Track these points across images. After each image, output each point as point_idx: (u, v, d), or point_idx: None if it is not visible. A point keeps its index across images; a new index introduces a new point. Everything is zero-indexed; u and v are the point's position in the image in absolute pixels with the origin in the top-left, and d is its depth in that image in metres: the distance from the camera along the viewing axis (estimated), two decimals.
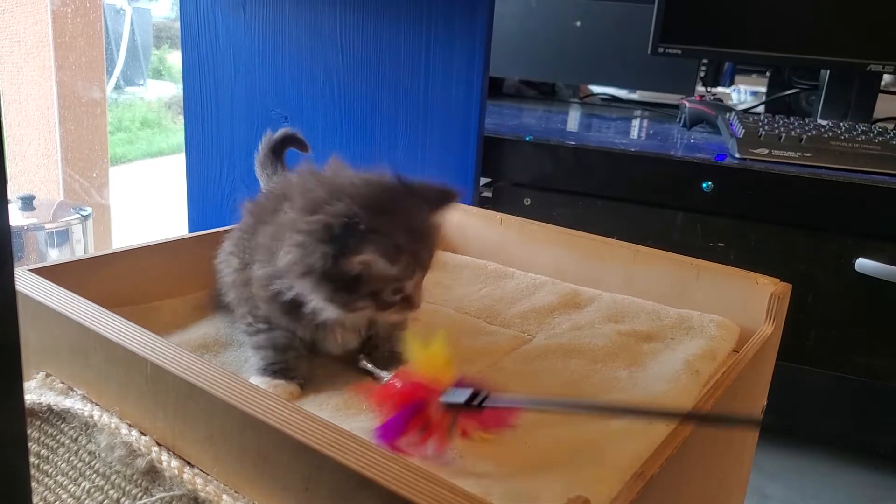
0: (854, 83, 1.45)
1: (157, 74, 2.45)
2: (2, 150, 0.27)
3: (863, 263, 1.05)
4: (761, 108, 1.79)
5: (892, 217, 1.03)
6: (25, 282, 0.57)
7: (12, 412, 0.30)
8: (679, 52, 1.42)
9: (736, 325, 0.72)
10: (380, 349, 0.62)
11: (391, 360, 0.61)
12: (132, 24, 2.22)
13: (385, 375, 0.59)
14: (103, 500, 0.50)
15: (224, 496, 0.44)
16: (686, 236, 1.13)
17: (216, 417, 0.44)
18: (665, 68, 1.66)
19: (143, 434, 0.49)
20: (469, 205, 0.98)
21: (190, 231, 1.26)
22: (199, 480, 0.45)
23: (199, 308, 0.71)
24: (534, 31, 1.71)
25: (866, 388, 1.61)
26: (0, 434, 0.30)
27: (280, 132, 0.83)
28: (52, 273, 0.60)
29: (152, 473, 0.48)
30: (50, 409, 0.53)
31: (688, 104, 1.48)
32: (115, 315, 0.52)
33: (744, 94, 2.32)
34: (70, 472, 0.52)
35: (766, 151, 1.14)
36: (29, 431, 0.54)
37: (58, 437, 0.53)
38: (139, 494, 0.48)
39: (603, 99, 1.98)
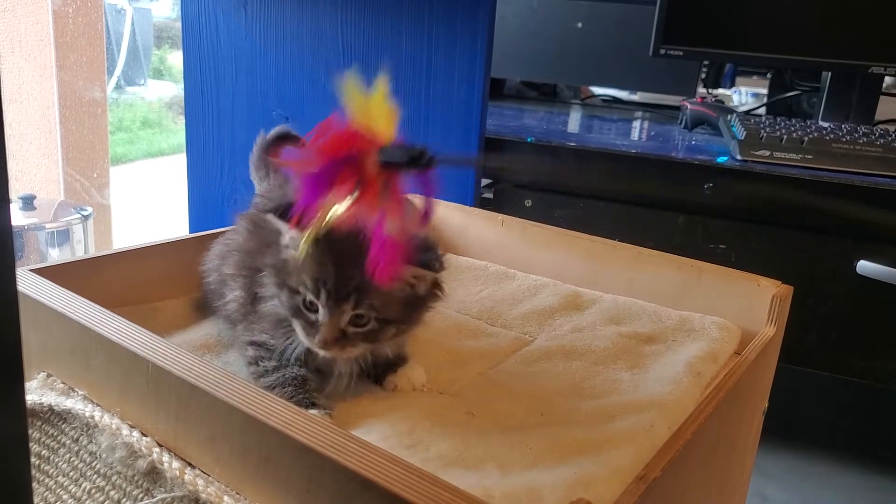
0: (855, 85, 1.45)
1: (158, 74, 2.45)
2: (3, 149, 0.26)
3: (864, 266, 1.05)
4: (763, 110, 1.79)
5: (893, 219, 1.03)
6: (27, 282, 0.56)
7: (13, 412, 0.30)
8: (680, 53, 1.42)
9: (737, 327, 0.72)
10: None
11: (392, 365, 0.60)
12: (133, 23, 2.22)
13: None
14: (104, 501, 0.50)
15: (225, 497, 0.44)
16: (687, 238, 1.13)
17: (218, 418, 0.44)
18: (666, 70, 1.66)
19: (144, 435, 0.49)
20: (470, 206, 0.98)
21: (191, 231, 1.26)
22: (200, 482, 0.45)
23: (200, 308, 0.71)
24: (535, 32, 1.71)
25: (867, 391, 1.61)
26: (1, 434, 0.30)
27: (274, 131, 0.82)
28: (54, 273, 0.60)
29: (153, 474, 0.48)
30: (51, 409, 0.53)
31: (689, 106, 1.48)
32: (116, 315, 0.52)
33: (745, 95, 2.32)
34: (71, 473, 0.52)
35: (768, 153, 1.14)
36: (30, 432, 0.54)
37: (59, 438, 0.53)
38: (140, 495, 0.48)
39: (604, 100, 1.98)
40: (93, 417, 0.51)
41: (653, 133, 1.46)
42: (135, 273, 0.69)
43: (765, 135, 1.18)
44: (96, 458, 0.51)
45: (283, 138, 0.82)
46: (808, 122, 1.34)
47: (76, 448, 0.52)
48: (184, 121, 1.26)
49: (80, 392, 0.53)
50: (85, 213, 1.46)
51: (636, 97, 2.03)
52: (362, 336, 0.54)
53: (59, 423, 0.53)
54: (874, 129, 1.28)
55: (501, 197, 1.22)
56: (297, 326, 0.54)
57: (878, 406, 1.66)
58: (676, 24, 1.40)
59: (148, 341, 0.49)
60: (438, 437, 0.52)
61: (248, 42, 1.19)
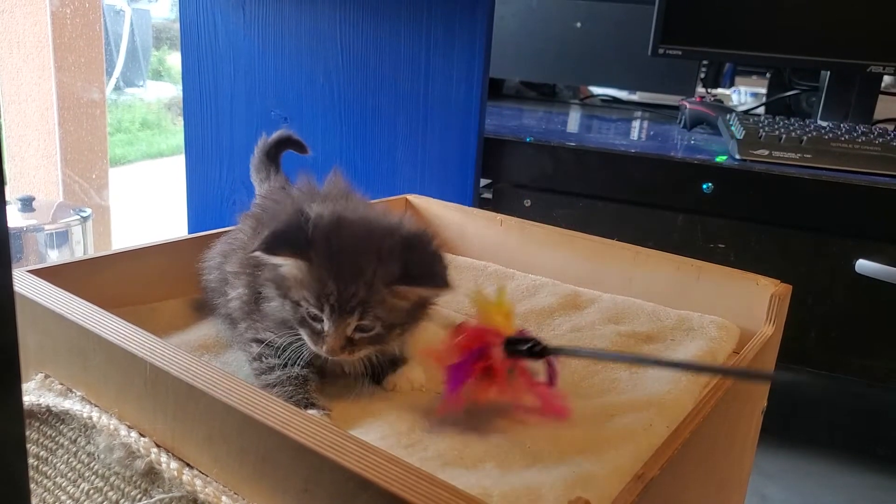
0: (854, 84, 1.45)
1: (157, 75, 2.45)
2: (1, 151, 0.26)
3: (863, 265, 1.05)
4: (761, 110, 1.79)
5: (892, 218, 1.03)
6: (24, 283, 0.56)
7: (11, 413, 0.30)
8: (679, 53, 1.42)
9: (736, 326, 0.72)
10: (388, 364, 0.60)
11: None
12: (132, 25, 2.22)
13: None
14: (102, 502, 0.50)
15: (223, 497, 0.44)
16: (686, 237, 1.13)
17: (215, 419, 0.44)
18: (665, 69, 1.66)
19: (142, 435, 0.49)
20: (469, 205, 0.98)
21: (189, 232, 1.26)
22: (198, 482, 0.45)
23: (199, 309, 0.71)
24: (534, 32, 1.71)
25: (867, 390, 1.61)
26: None
27: (276, 134, 0.82)
28: (51, 274, 0.60)
29: (151, 475, 0.48)
30: (49, 410, 0.53)
31: (688, 105, 1.48)
32: (114, 316, 0.52)
33: (744, 95, 2.33)
34: (69, 474, 0.52)
35: (767, 153, 1.14)
36: (28, 433, 0.54)
37: (57, 439, 0.53)
38: (138, 496, 0.48)
39: (603, 100, 1.98)
40: (91, 418, 0.51)
41: (652, 133, 1.46)
42: (133, 274, 0.69)
43: (764, 134, 1.18)
44: (94, 458, 0.51)
45: (284, 142, 0.82)
46: (807, 122, 1.34)
47: (74, 449, 0.52)
48: (182, 122, 1.26)
49: (78, 393, 0.53)
50: (84, 215, 1.46)
51: (635, 97, 2.03)
52: (369, 340, 0.54)
53: (57, 424, 0.53)
54: (873, 128, 1.28)
55: (500, 197, 1.22)
56: (304, 334, 0.55)
57: (878, 405, 1.66)
58: (675, 23, 1.41)
59: (146, 342, 0.49)
60: (437, 437, 0.52)
61: (246, 43, 1.19)
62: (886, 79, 1.57)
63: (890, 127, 1.31)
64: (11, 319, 0.29)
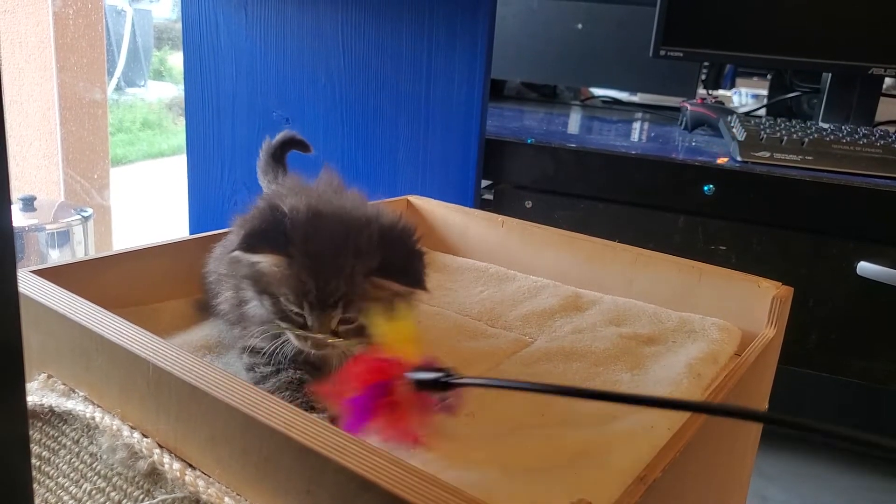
0: (856, 86, 1.45)
1: (158, 75, 2.45)
2: (4, 151, 0.27)
3: (864, 267, 1.05)
4: (763, 111, 1.79)
5: (893, 221, 1.03)
6: (27, 283, 0.57)
7: (14, 413, 0.30)
8: (680, 54, 1.42)
9: (738, 328, 0.72)
10: None
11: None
12: (133, 25, 2.22)
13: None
14: (105, 502, 0.50)
15: (226, 498, 0.44)
16: (687, 239, 1.13)
17: (218, 419, 0.44)
18: (666, 71, 1.66)
19: (144, 436, 0.49)
20: (471, 207, 0.98)
21: (191, 233, 1.26)
22: (200, 483, 0.45)
23: (201, 310, 0.71)
24: (535, 33, 1.71)
25: (867, 392, 1.61)
26: (2, 435, 0.30)
27: (279, 136, 0.82)
28: (54, 274, 0.60)
29: (154, 475, 0.48)
30: (51, 410, 0.53)
31: (689, 107, 1.48)
32: (116, 317, 0.52)
33: (745, 96, 2.32)
34: (71, 474, 0.52)
35: (768, 154, 1.14)
36: (30, 433, 0.54)
37: (59, 439, 0.53)
38: (141, 496, 0.48)
39: (604, 101, 1.98)
40: (93, 418, 0.51)
41: (653, 134, 1.46)
42: (135, 274, 0.69)
43: (765, 136, 1.18)
44: (97, 459, 0.51)
45: (288, 143, 0.82)
46: (809, 124, 1.34)
47: (77, 449, 0.52)
48: (184, 122, 1.26)
49: (81, 393, 0.53)
50: (85, 215, 1.46)
51: (636, 98, 2.03)
52: (353, 331, 0.55)
53: (60, 425, 0.53)
54: (874, 130, 1.28)
55: (502, 198, 1.22)
56: (287, 330, 0.55)
57: (878, 407, 1.66)
58: (676, 25, 1.41)
59: (149, 342, 0.49)
60: (439, 439, 0.52)
61: (248, 43, 1.19)
62: (888, 81, 1.57)
63: (891, 129, 1.31)
64: (15, 319, 0.29)
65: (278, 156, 0.81)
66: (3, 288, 0.28)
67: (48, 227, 1.39)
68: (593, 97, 2.01)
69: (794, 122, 1.34)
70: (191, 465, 0.47)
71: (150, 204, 2.21)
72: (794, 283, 0.73)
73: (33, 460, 0.54)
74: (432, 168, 1.16)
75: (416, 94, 1.14)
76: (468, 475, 0.47)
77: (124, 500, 0.49)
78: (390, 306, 0.54)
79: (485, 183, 1.22)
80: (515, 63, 1.74)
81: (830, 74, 1.47)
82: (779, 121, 1.33)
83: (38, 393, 0.54)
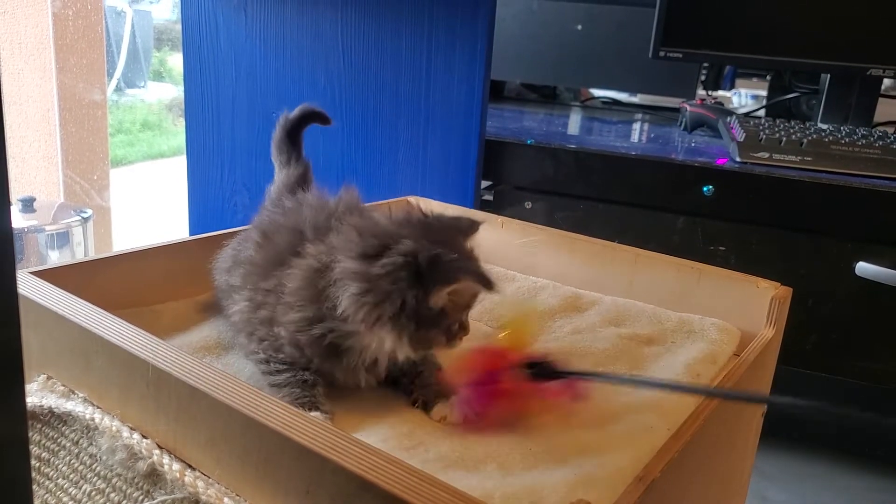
0: (854, 87, 1.46)
1: (158, 76, 2.45)
2: (4, 152, 0.27)
3: (863, 267, 1.05)
4: (762, 112, 1.79)
5: (892, 221, 1.03)
6: (27, 284, 0.57)
7: (13, 415, 0.30)
8: (680, 55, 1.42)
9: (737, 328, 0.72)
10: (419, 378, 0.59)
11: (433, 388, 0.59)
12: (133, 26, 2.22)
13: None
14: (104, 503, 0.50)
15: (226, 499, 0.44)
16: (687, 240, 1.13)
17: (218, 420, 0.44)
18: (666, 72, 1.67)
19: (144, 437, 0.49)
20: (470, 207, 0.98)
21: (191, 234, 1.26)
22: (200, 483, 0.45)
23: (201, 311, 0.71)
24: (535, 34, 1.71)
25: (867, 392, 1.61)
26: (1, 437, 0.30)
27: (297, 110, 0.78)
28: (54, 275, 0.60)
29: (154, 476, 0.48)
30: (51, 411, 0.53)
31: (689, 108, 1.48)
32: (116, 318, 0.52)
33: (744, 97, 2.32)
34: (71, 475, 0.52)
35: (767, 155, 1.14)
36: (30, 434, 0.54)
37: (59, 440, 0.53)
38: (140, 497, 0.48)
39: (604, 102, 1.98)
40: (93, 420, 0.51)
41: (652, 135, 1.46)
42: (135, 275, 0.69)
43: (764, 137, 1.18)
44: (96, 460, 0.51)
45: (307, 117, 0.78)
46: (808, 124, 1.34)
47: (76, 450, 0.52)
48: (184, 123, 1.26)
49: (81, 394, 0.53)
50: (85, 216, 1.46)
51: (636, 99, 2.04)
52: None
53: (60, 426, 0.53)
54: (873, 130, 1.28)
55: (502, 199, 1.23)
56: (448, 345, 0.56)
57: (878, 407, 1.66)
58: (676, 26, 1.41)
59: (148, 343, 0.49)
60: (438, 439, 0.52)
61: (248, 44, 1.19)
62: (886, 82, 1.57)
63: (890, 130, 1.31)
64: (15, 320, 0.29)
65: (294, 134, 0.77)
66: (2, 289, 0.28)
67: (48, 228, 1.39)
68: (593, 98, 2.01)
69: (793, 122, 1.34)
70: (190, 466, 0.47)
71: (150, 205, 2.21)
72: (794, 284, 0.73)
73: (33, 461, 0.54)
74: (432, 169, 1.16)
75: (415, 95, 1.14)
76: (467, 476, 0.47)
77: (124, 501, 0.49)
78: None
79: (485, 184, 1.23)
80: (515, 64, 1.74)
81: (829, 75, 1.47)
82: (778, 121, 1.33)
83: (38, 394, 0.54)
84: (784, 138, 1.17)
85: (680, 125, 1.53)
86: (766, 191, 1.08)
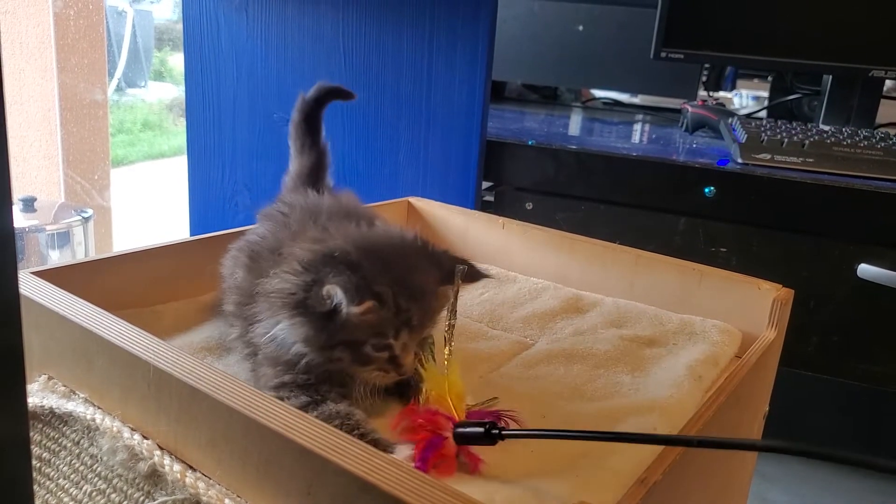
0: (856, 88, 1.45)
1: (159, 76, 2.45)
2: (5, 152, 0.26)
3: (865, 269, 1.05)
4: (763, 113, 1.79)
5: (894, 223, 1.03)
6: (28, 284, 0.57)
7: (15, 415, 0.30)
8: (681, 56, 1.42)
9: (738, 330, 0.72)
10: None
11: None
12: (134, 26, 2.22)
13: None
14: None
15: (226, 500, 0.44)
16: (688, 241, 1.13)
17: (219, 421, 0.44)
18: (667, 72, 1.66)
19: (145, 438, 0.49)
20: (471, 208, 0.98)
21: (192, 234, 1.26)
22: (201, 484, 0.45)
23: (202, 311, 0.71)
24: (536, 34, 1.71)
25: (868, 394, 1.61)
26: (2, 437, 0.30)
27: (315, 87, 0.72)
28: (55, 276, 0.60)
29: (154, 477, 0.48)
30: (52, 412, 0.53)
31: (690, 109, 1.48)
32: (117, 318, 0.52)
33: (746, 98, 2.32)
34: (72, 476, 0.52)
35: (769, 157, 1.14)
36: (31, 434, 0.54)
37: (60, 441, 0.53)
38: (141, 498, 0.48)
39: (605, 103, 1.98)
40: (94, 420, 0.51)
41: (654, 136, 1.46)
42: (136, 276, 0.69)
43: (766, 138, 1.18)
44: (97, 460, 0.51)
45: (326, 95, 0.73)
46: (809, 126, 1.34)
47: (77, 451, 0.52)
48: (184, 123, 1.26)
49: (82, 395, 0.53)
50: (85, 216, 1.46)
51: (637, 100, 2.03)
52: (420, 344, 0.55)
53: (61, 426, 0.53)
54: (875, 132, 1.28)
55: (502, 200, 1.22)
56: (365, 371, 0.53)
57: (879, 410, 1.66)
58: (677, 27, 1.41)
59: (149, 344, 0.49)
60: None
61: (249, 44, 1.19)
62: (888, 83, 1.57)
63: (892, 131, 1.31)
64: (16, 321, 0.29)
65: (313, 115, 0.73)
66: (3, 289, 0.28)
67: (48, 227, 1.39)
68: (594, 99, 2.01)
69: (794, 124, 1.34)
70: (191, 467, 0.47)
71: (151, 205, 2.21)
72: (795, 286, 0.73)
73: (34, 462, 0.54)
74: (433, 170, 1.16)
75: (416, 96, 1.14)
76: (469, 478, 0.47)
77: (125, 502, 0.49)
78: (441, 312, 0.56)
79: (485, 184, 1.22)
80: (516, 65, 1.74)
81: (831, 76, 1.47)
82: (779, 123, 1.33)
83: (39, 394, 0.54)
84: (786, 140, 1.17)
85: (681, 126, 1.53)
86: (768, 192, 1.08)
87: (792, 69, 1.63)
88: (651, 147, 1.29)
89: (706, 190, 1.10)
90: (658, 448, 0.48)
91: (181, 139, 1.29)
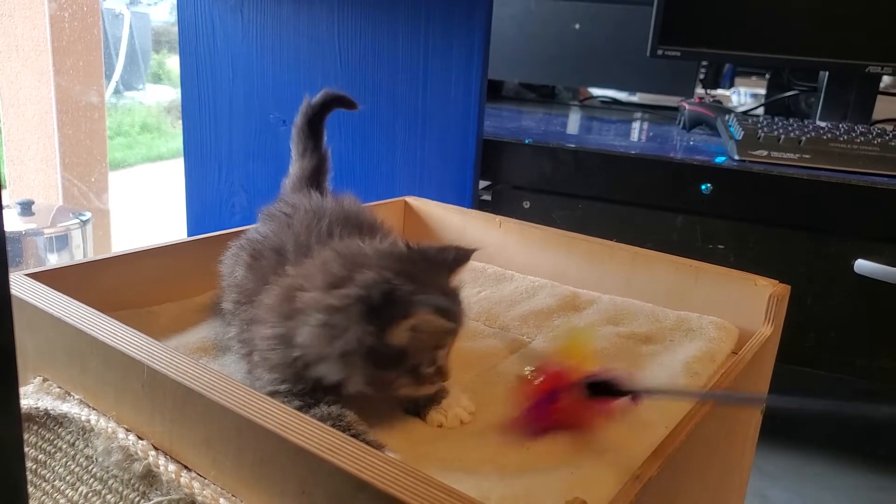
0: (853, 85, 1.46)
1: (156, 79, 2.45)
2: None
3: (862, 265, 1.05)
4: (760, 110, 1.79)
5: (891, 218, 1.03)
6: (23, 286, 0.56)
7: (9, 417, 0.30)
8: (678, 54, 1.42)
9: (735, 326, 0.72)
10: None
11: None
12: (131, 28, 2.23)
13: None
14: None
15: (221, 500, 0.44)
16: (685, 238, 1.13)
17: (213, 421, 0.44)
18: (664, 70, 1.66)
19: (140, 438, 0.49)
20: (468, 207, 0.98)
21: (188, 235, 1.26)
22: (196, 484, 0.45)
23: (198, 312, 0.71)
24: (533, 33, 1.71)
25: (866, 390, 1.61)
26: None
27: (320, 94, 0.73)
28: (50, 277, 0.60)
29: (150, 478, 0.48)
30: (47, 413, 0.53)
31: (687, 106, 1.48)
32: (112, 319, 0.52)
33: (743, 95, 2.32)
34: (67, 477, 0.52)
35: (766, 153, 1.14)
36: (26, 436, 0.54)
37: (55, 442, 0.53)
38: (137, 499, 0.48)
39: (602, 101, 1.98)
40: (89, 421, 0.51)
41: (651, 134, 1.46)
42: (132, 277, 0.69)
43: (762, 135, 1.18)
44: (92, 462, 0.51)
45: (330, 103, 0.74)
46: (806, 122, 1.34)
47: (72, 452, 0.52)
48: (182, 125, 1.26)
49: (76, 396, 0.53)
50: (83, 219, 1.46)
51: (634, 98, 2.04)
52: None
53: (56, 428, 0.53)
54: (871, 128, 1.28)
55: (499, 198, 1.22)
56: (422, 389, 0.53)
57: (877, 405, 1.66)
58: (674, 24, 1.41)
59: (144, 345, 0.49)
60: (435, 441, 0.52)
61: (244, 46, 1.19)
62: (885, 79, 1.57)
63: (888, 127, 1.31)
64: (9, 323, 0.29)
65: (317, 121, 0.73)
66: None
67: (46, 231, 1.39)
68: (592, 97, 2.01)
69: (791, 120, 1.34)
70: (186, 467, 0.47)
71: (150, 208, 2.21)
72: (792, 282, 0.73)
73: (29, 464, 0.54)
74: (430, 169, 1.16)
75: (412, 96, 1.14)
76: (464, 476, 0.47)
77: (120, 503, 0.49)
78: None
79: (483, 183, 1.22)
80: (513, 63, 1.74)
81: (828, 73, 1.47)
82: (776, 119, 1.33)
83: (34, 396, 0.54)
84: (783, 136, 1.17)
85: (679, 124, 1.53)
86: (765, 189, 1.08)
87: (788, 66, 1.63)
88: (648, 145, 1.29)
89: (703, 187, 1.10)
90: (654, 443, 0.48)
91: (179, 141, 1.29)
